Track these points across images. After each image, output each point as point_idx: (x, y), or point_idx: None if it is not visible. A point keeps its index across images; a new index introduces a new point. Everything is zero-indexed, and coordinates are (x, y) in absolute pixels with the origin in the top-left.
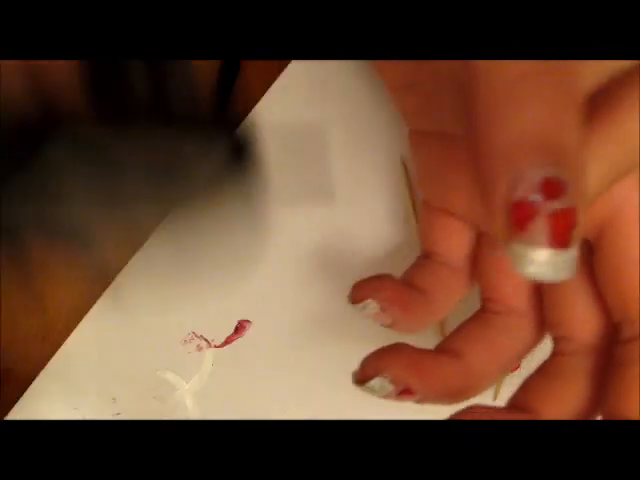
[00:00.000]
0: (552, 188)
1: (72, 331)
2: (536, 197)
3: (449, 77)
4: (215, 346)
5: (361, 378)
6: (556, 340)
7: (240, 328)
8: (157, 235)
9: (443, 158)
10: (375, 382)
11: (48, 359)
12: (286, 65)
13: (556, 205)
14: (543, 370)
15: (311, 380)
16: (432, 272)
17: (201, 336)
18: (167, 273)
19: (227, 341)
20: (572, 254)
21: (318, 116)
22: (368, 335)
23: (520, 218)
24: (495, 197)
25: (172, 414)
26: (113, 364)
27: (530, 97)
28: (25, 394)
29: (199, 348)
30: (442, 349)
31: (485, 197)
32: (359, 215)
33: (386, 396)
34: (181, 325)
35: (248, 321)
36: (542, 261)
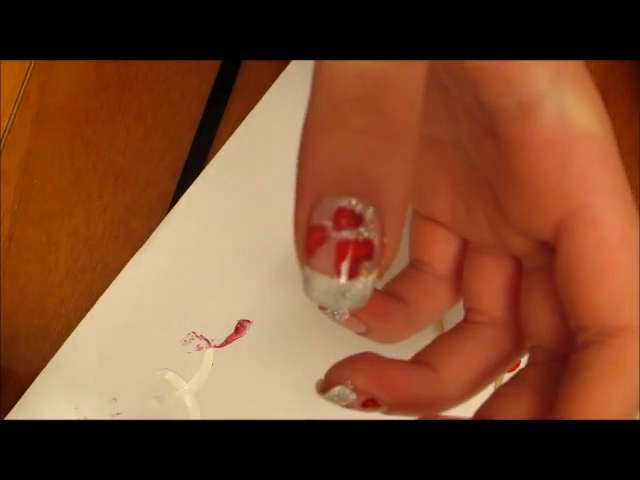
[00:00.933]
0: (345, 218)
1: (72, 331)
2: (328, 225)
3: (433, 80)
4: (215, 346)
5: (324, 386)
6: (530, 350)
7: (240, 328)
8: (157, 235)
9: (428, 164)
10: (336, 390)
11: (48, 359)
12: (286, 65)
13: (347, 235)
14: (516, 378)
15: (312, 380)
16: (416, 282)
17: (201, 336)
18: (167, 273)
19: (227, 341)
20: (360, 285)
21: None
22: None
23: (311, 243)
24: (295, 219)
25: (172, 414)
26: (113, 364)
27: (341, 126)
28: (25, 394)
29: (199, 348)
30: (416, 360)
31: (294, 217)
32: None
33: (348, 405)
34: (181, 325)
35: (248, 321)
36: (324, 288)
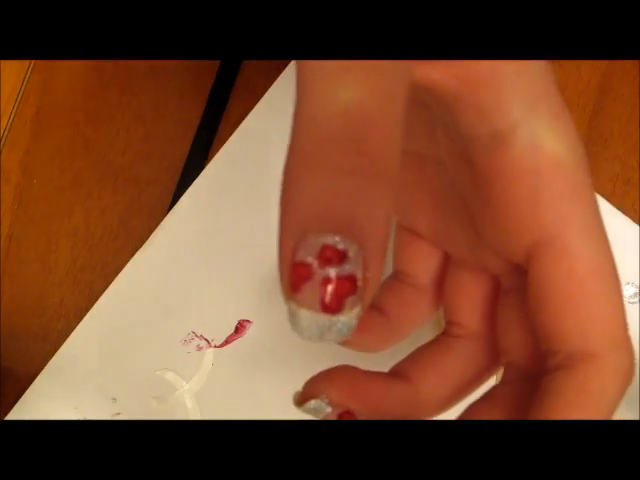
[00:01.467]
0: (330, 255)
1: (72, 331)
2: (313, 261)
3: (417, 98)
4: (215, 346)
5: (301, 399)
6: (505, 366)
7: (240, 328)
8: (157, 235)
9: (410, 178)
10: (312, 404)
11: (48, 359)
12: (286, 65)
13: (331, 271)
14: (487, 396)
15: None
16: (398, 294)
17: (201, 336)
18: (167, 273)
19: (227, 341)
20: (344, 319)
21: None
22: None
23: (296, 279)
24: (280, 255)
25: (172, 414)
26: (113, 364)
27: (325, 166)
28: (25, 394)
29: (199, 348)
30: (394, 372)
31: (278, 252)
32: None
33: (325, 417)
34: (181, 325)
35: (248, 321)
36: (310, 323)
